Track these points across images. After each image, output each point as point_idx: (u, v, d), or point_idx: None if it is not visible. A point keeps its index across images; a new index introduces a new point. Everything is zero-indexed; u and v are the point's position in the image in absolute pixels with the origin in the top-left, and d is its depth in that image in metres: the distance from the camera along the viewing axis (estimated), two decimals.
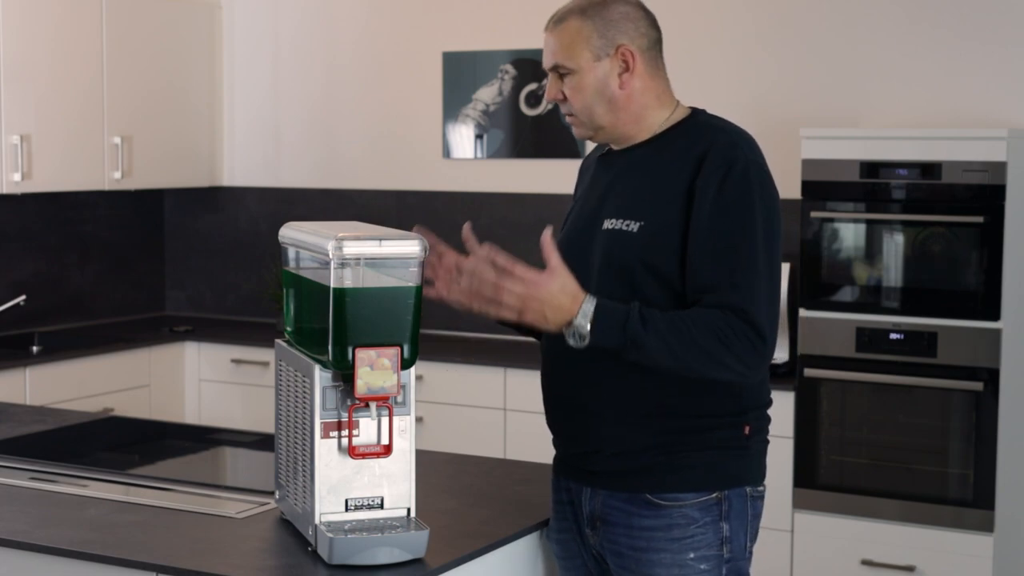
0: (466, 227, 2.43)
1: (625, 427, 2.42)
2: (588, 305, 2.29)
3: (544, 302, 2.29)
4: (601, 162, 2.59)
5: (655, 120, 2.49)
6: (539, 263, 2.59)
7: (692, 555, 2.40)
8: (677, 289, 2.38)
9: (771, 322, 2.33)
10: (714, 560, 2.41)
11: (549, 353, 2.55)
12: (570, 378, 2.48)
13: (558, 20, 2.48)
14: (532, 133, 5.50)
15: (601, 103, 2.45)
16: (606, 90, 2.45)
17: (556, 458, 2.60)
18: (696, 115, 2.52)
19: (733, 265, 2.33)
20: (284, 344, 2.54)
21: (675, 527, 2.40)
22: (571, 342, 2.31)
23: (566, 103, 2.49)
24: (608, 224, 2.45)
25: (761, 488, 2.48)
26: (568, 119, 2.53)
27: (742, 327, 2.30)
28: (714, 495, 2.41)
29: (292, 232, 2.52)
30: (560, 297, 2.29)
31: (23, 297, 5.39)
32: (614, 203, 2.47)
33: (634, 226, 2.41)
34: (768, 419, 2.51)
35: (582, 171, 2.71)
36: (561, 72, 2.46)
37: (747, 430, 2.45)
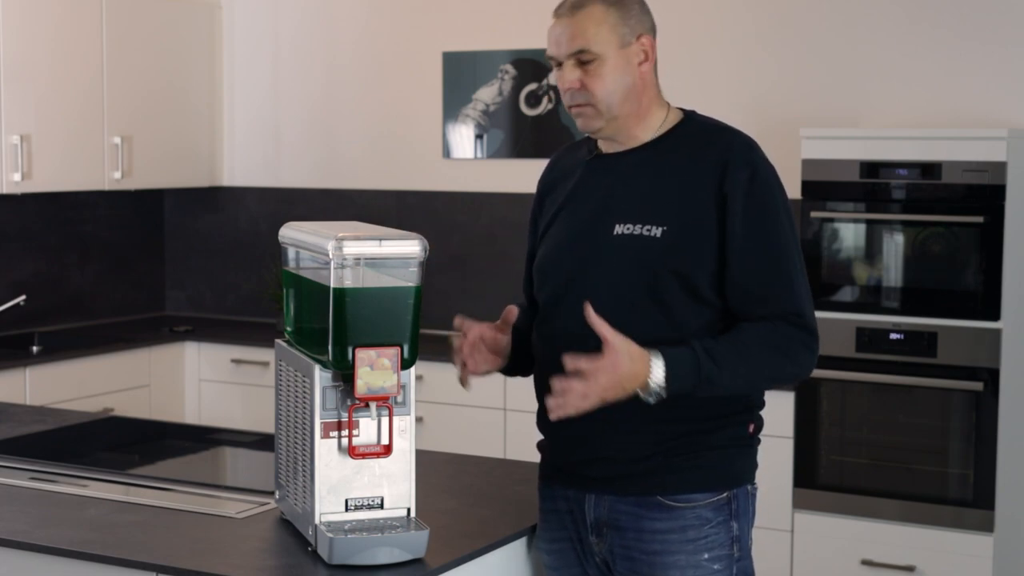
0: (510, 311, 2.50)
1: (635, 431, 2.39)
2: (656, 363, 2.28)
3: (622, 378, 2.27)
4: (593, 165, 2.52)
5: (655, 120, 2.47)
6: None
7: (707, 555, 2.39)
8: (703, 296, 2.37)
9: (814, 318, 2.40)
10: (726, 560, 2.41)
11: (545, 361, 2.50)
12: None
13: (576, 6, 2.41)
14: (532, 133, 5.50)
15: (621, 91, 2.41)
16: (626, 78, 2.42)
17: (548, 467, 2.56)
18: (692, 116, 2.51)
19: (777, 273, 2.36)
20: (284, 344, 2.54)
21: (689, 528, 2.39)
22: (649, 400, 2.30)
23: (582, 92, 2.41)
24: (622, 228, 2.41)
25: (756, 485, 2.50)
26: (578, 109, 2.44)
27: (796, 333, 2.35)
28: (724, 494, 2.41)
29: (292, 232, 2.52)
30: (631, 366, 2.27)
31: (23, 297, 5.39)
32: (624, 207, 2.43)
33: (656, 231, 2.38)
34: (763, 418, 2.52)
35: (555, 177, 2.63)
36: (584, 59, 2.40)
37: (751, 428, 2.46)
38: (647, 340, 2.34)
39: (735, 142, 2.42)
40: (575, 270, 2.46)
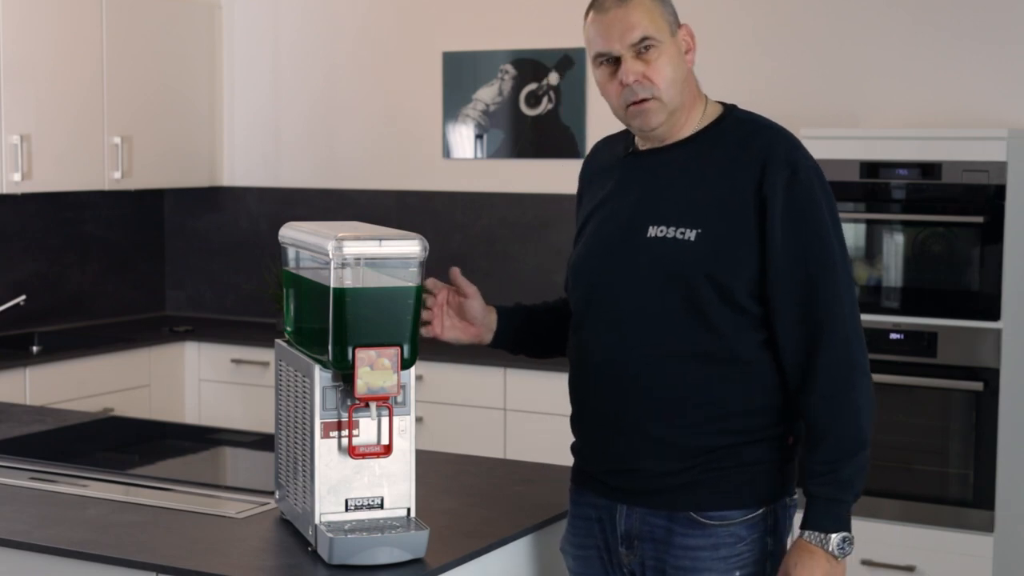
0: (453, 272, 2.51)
1: (668, 443, 2.31)
2: (835, 539, 2.25)
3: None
4: (629, 163, 2.43)
5: (694, 115, 2.38)
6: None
7: (739, 573, 2.32)
8: (741, 303, 2.28)
9: (859, 341, 2.30)
10: None
11: (583, 366, 2.42)
12: (609, 394, 2.36)
13: None
14: (532, 133, 5.50)
15: (679, 80, 2.34)
16: (682, 66, 2.36)
17: (581, 473, 2.48)
18: (731, 111, 2.42)
19: (817, 287, 2.27)
20: (284, 344, 2.54)
21: (722, 546, 2.31)
22: (844, 550, 2.28)
23: (645, 83, 2.31)
24: (655, 231, 2.32)
25: (796, 497, 2.40)
26: (639, 107, 2.33)
27: (844, 373, 2.26)
28: (760, 511, 2.33)
29: (292, 232, 2.52)
30: (815, 566, 2.25)
31: (23, 297, 5.39)
32: (659, 208, 2.33)
33: (690, 234, 2.28)
34: (802, 427, 2.41)
35: (591, 174, 2.54)
36: (646, 45, 2.32)
37: (791, 440, 2.37)
38: (684, 352, 2.28)
39: (776, 140, 2.33)
40: (606, 275, 2.37)
